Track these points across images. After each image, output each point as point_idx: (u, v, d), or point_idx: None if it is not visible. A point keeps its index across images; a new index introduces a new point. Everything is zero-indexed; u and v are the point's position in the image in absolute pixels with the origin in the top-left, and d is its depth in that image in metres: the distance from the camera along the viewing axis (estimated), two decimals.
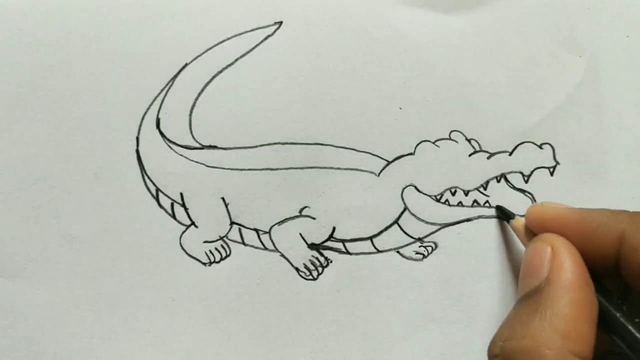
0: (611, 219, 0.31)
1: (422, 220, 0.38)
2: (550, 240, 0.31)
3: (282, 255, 0.38)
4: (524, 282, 0.30)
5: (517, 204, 0.37)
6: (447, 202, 0.38)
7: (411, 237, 0.38)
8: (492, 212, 0.38)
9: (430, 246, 0.38)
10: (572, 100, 0.38)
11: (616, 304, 0.29)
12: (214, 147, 0.38)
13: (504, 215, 0.37)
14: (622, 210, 0.31)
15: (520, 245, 0.37)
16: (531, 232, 0.34)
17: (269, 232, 0.38)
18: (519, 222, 0.35)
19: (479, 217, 0.38)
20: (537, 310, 0.28)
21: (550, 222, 0.32)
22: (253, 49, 0.38)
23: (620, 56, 0.39)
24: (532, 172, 0.38)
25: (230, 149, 0.38)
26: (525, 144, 0.38)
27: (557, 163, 0.38)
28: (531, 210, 0.34)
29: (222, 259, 0.38)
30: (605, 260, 0.31)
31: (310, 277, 0.37)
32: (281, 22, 0.38)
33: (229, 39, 0.38)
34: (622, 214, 0.31)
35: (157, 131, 0.38)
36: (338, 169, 0.38)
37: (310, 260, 0.38)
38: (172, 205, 0.38)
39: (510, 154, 0.38)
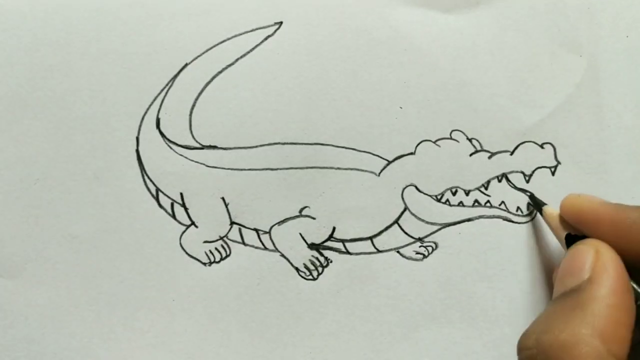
0: None
1: (423, 220, 0.38)
2: (594, 244, 0.31)
3: (282, 255, 0.38)
4: (563, 281, 0.30)
5: (518, 204, 0.37)
6: (447, 202, 0.38)
7: (411, 237, 0.38)
8: (493, 212, 0.38)
9: (431, 246, 0.38)
10: (572, 100, 0.38)
11: None
12: (214, 147, 0.38)
13: (534, 203, 0.37)
14: None
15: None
16: (564, 221, 0.34)
17: (269, 232, 0.38)
18: (552, 210, 0.35)
19: (480, 217, 0.38)
20: (577, 308, 0.28)
21: (585, 214, 0.33)
22: (253, 49, 0.38)
23: (620, 56, 0.39)
24: (533, 171, 0.38)
25: (230, 149, 0.38)
26: (526, 143, 0.38)
27: (558, 163, 0.38)
28: (568, 200, 0.34)
29: (222, 259, 0.38)
30: (637, 257, 0.31)
31: (310, 277, 0.37)
32: (281, 22, 0.38)
33: (229, 39, 0.38)
34: None
35: (157, 131, 0.38)
36: (338, 169, 0.38)
37: (310, 260, 0.37)
38: (172, 205, 0.38)
39: (512, 153, 0.38)
